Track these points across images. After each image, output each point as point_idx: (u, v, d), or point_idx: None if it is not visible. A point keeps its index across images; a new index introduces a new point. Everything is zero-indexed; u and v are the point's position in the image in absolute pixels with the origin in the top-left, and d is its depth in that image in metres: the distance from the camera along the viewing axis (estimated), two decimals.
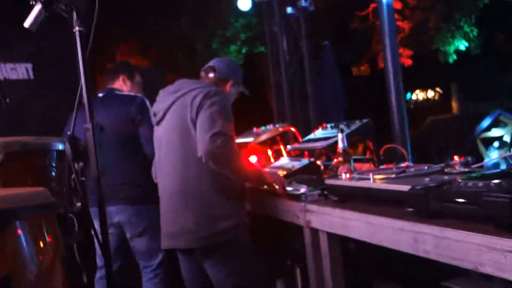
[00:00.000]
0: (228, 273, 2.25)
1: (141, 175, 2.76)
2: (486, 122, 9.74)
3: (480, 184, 1.41)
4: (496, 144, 8.81)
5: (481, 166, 1.99)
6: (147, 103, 2.93)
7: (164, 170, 2.34)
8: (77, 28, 1.27)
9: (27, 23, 1.33)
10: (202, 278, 2.37)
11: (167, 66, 10.41)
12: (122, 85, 3.10)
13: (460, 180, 1.51)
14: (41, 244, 1.06)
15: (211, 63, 2.55)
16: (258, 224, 3.08)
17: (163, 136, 2.37)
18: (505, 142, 8.75)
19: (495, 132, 9.60)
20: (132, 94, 3.02)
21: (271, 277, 3.19)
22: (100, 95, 3.05)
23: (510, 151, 8.75)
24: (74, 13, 1.26)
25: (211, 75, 2.48)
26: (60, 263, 1.12)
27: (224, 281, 2.27)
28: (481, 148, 9.30)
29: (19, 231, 1.00)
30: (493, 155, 8.85)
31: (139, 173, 2.80)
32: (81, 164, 1.20)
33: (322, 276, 2.19)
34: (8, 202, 0.97)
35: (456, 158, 1.86)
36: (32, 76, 4.46)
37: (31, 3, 1.26)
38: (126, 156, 2.68)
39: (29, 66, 4.48)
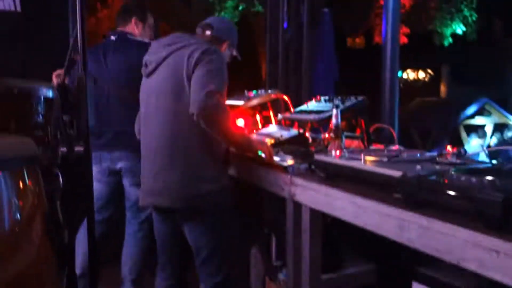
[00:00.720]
0: (208, 237, 2.24)
1: None
2: (471, 109, 9.82)
3: (474, 179, 1.40)
4: (477, 133, 8.93)
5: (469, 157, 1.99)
6: None
7: (151, 125, 2.28)
8: None
9: None
10: (175, 240, 2.35)
11: (161, 13, 10.11)
12: (134, 28, 3.02)
13: (453, 173, 1.50)
14: (23, 199, 1.01)
15: (209, 21, 2.47)
16: (238, 188, 3.07)
17: (153, 90, 2.29)
18: (485, 132, 8.87)
19: (478, 120, 9.71)
20: (146, 40, 2.94)
21: (246, 242, 3.21)
22: (113, 38, 2.96)
23: (488, 141, 8.89)
24: None
25: (208, 32, 2.40)
26: (42, 218, 1.07)
27: (203, 245, 2.26)
28: (463, 134, 9.42)
29: (1, 184, 0.95)
30: (473, 143, 8.98)
31: None
32: (69, 116, 1.14)
33: (300, 248, 2.20)
34: None
35: (449, 147, 1.84)
36: (19, 8, 4.26)
37: None
38: (137, 105, 2.62)
39: None
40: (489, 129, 9.63)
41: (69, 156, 1.23)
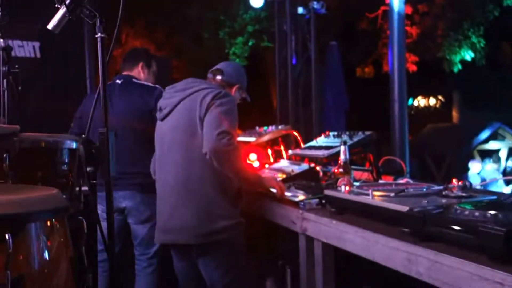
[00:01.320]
0: (223, 271, 2.29)
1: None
2: (484, 134, 9.82)
3: (477, 213, 1.45)
4: (491, 158, 8.88)
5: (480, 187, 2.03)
6: None
7: (166, 166, 2.37)
8: (99, 34, 1.30)
9: (50, 25, 1.36)
10: (195, 274, 2.41)
11: (172, 51, 10.40)
12: (139, 73, 3.09)
13: (457, 207, 1.55)
14: (53, 246, 1.10)
15: (219, 66, 2.60)
16: (252, 222, 3.13)
17: (167, 132, 2.40)
18: (499, 157, 8.82)
19: (492, 145, 9.68)
20: (151, 85, 3.02)
21: (261, 275, 3.24)
22: (118, 81, 3.03)
23: (505, 165, 8.83)
24: (97, 20, 1.28)
25: (218, 77, 2.52)
26: (69, 264, 1.15)
27: (217, 280, 2.31)
28: (477, 159, 9.37)
29: (33, 235, 1.03)
30: (487, 168, 8.93)
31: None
32: (92, 168, 1.23)
33: (313, 282, 2.23)
34: (22, 206, 1.00)
35: (454, 181, 1.90)
36: (38, 55, 4.47)
37: (56, 5, 1.29)
38: (141, 146, 2.68)
39: (37, 44, 4.48)
40: (503, 153, 9.58)
41: (92, 203, 1.32)
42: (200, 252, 2.28)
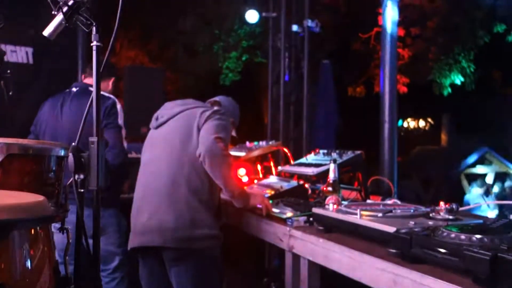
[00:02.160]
0: (195, 283, 2.27)
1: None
2: (472, 158, 9.91)
3: (462, 236, 1.46)
4: (478, 182, 8.96)
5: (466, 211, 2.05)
6: (118, 106, 2.90)
7: (153, 169, 2.37)
8: (95, 43, 1.30)
9: (46, 32, 1.35)
10: (162, 285, 2.37)
11: (166, 63, 10.44)
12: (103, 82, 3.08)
13: (443, 229, 1.55)
14: (36, 255, 1.08)
15: (218, 98, 2.73)
16: (239, 238, 3.11)
17: (160, 138, 2.43)
18: (485, 182, 8.90)
19: (479, 170, 9.77)
20: (106, 94, 2.95)
21: None
22: (74, 89, 2.99)
23: (490, 191, 8.91)
24: (94, 28, 1.29)
25: (215, 108, 2.59)
26: (52, 273, 1.13)
27: None
28: (465, 183, 9.45)
29: (16, 243, 1.02)
30: (474, 192, 9.01)
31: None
32: (81, 176, 1.22)
33: None
34: (7, 213, 0.98)
35: (442, 203, 1.91)
36: (31, 61, 4.45)
37: (53, 12, 1.29)
38: None
39: (30, 50, 4.47)
40: (490, 178, 9.67)
41: (79, 212, 1.31)
42: (175, 258, 2.26)
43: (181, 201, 2.25)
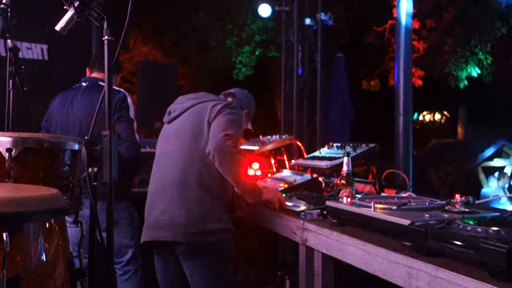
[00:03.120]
0: (208, 276, 2.28)
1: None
2: (489, 151, 9.77)
3: (479, 229, 1.44)
4: (496, 174, 8.82)
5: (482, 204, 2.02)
6: (129, 99, 2.91)
7: (165, 164, 2.39)
8: (106, 37, 1.30)
9: (58, 27, 1.36)
10: (178, 280, 2.38)
11: (179, 58, 10.47)
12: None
13: (459, 222, 1.53)
14: (50, 247, 1.09)
15: (232, 90, 2.69)
16: (253, 231, 3.12)
17: (172, 133, 2.44)
18: (505, 173, 8.76)
19: (497, 162, 9.63)
20: (116, 88, 2.96)
21: (261, 286, 3.23)
22: (84, 84, 3.01)
23: (509, 183, 8.76)
24: (105, 22, 1.29)
25: (229, 99, 2.60)
26: (66, 265, 1.14)
27: (200, 284, 2.29)
28: (482, 176, 9.33)
29: (30, 235, 1.03)
30: (492, 185, 8.87)
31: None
32: (95, 169, 1.23)
33: None
34: (22, 206, 0.99)
35: (457, 196, 1.88)
36: (46, 57, 4.50)
37: (65, 7, 1.30)
38: None
39: (45, 47, 4.52)
40: (508, 170, 9.53)
41: (93, 204, 1.32)
42: (188, 252, 2.27)
43: (192, 197, 2.25)
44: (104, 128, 1.27)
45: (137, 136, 2.91)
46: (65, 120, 2.93)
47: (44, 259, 1.07)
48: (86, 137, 1.26)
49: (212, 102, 2.37)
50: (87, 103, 2.86)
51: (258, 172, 3.41)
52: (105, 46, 1.29)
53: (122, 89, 2.97)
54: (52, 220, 1.11)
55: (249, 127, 2.69)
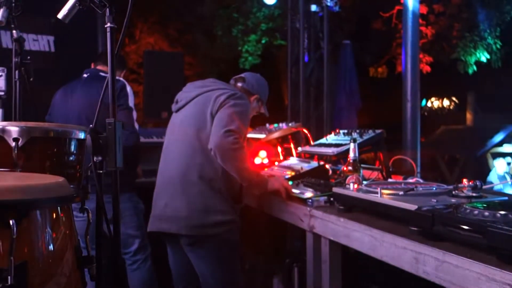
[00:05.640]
0: (213, 267, 2.30)
1: None
2: (498, 137, 9.68)
3: (486, 213, 1.43)
4: (507, 159, 8.75)
5: (490, 189, 2.01)
6: (128, 88, 2.92)
7: (170, 156, 2.40)
8: (108, 24, 1.30)
9: (60, 15, 1.36)
10: (188, 269, 2.40)
11: (185, 47, 10.44)
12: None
13: (466, 207, 1.52)
14: (57, 234, 1.10)
15: (243, 74, 2.64)
16: (260, 219, 3.13)
17: (178, 124, 2.44)
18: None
19: (506, 148, 9.54)
20: (119, 78, 2.99)
21: (269, 273, 3.24)
22: (85, 75, 3.05)
23: None
24: (107, 10, 1.29)
25: (239, 84, 2.58)
26: (73, 253, 1.16)
27: (208, 275, 2.31)
28: (491, 162, 9.25)
29: (37, 222, 1.04)
30: (500, 171, 8.80)
31: None
32: (99, 158, 1.24)
33: (320, 280, 2.22)
34: (30, 193, 1.01)
35: (465, 181, 1.87)
36: (53, 49, 4.51)
37: None
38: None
39: (51, 38, 4.53)
40: None
41: (99, 193, 1.33)
42: (191, 244, 2.29)
43: (194, 190, 2.26)
44: (106, 117, 1.28)
45: (136, 125, 2.92)
46: (65, 111, 2.97)
47: (52, 246, 1.08)
48: (91, 126, 1.26)
49: (217, 91, 2.34)
50: (86, 93, 2.90)
51: (265, 160, 3.41)
52: (108, 34, 1.28)
53: (121, 78, 2.99)
54: (59, 208, 1.12)
55: (263, 111, 2.64)
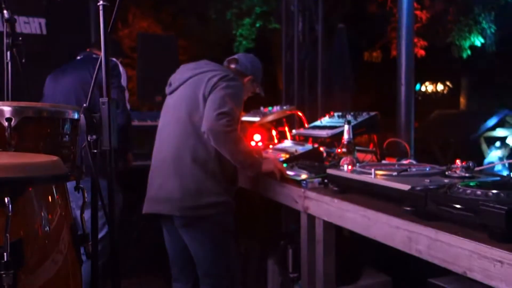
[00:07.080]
0: (207, 248, 2.31)
1: None
2: (492, 121, 9.71)
3: (478, 192, 1.45)
4: (497, 144, 8.80)
5: (482, 170, 2.03)
6: (120, 68, 2.93)
7: (164, 137, 2.40)
8: (101, 2, 1.28)
9: None
10: (182, 250, 2.42)
11: (179, 31, 10.36)
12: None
13: (459, 186, 1.54)
14: (52, 212, 1.10)
15: (236, 56, 2.63)
16: (255, 201, 3.15)
17: (171, 107, 2.43)
18: (507, 144, 8.74)
19: (499, 132, 9.58)
20: (112, 59, 2.96)
21: (263, 255, 3.27)
22: (78, 58, 3.08)
23: (510, 153, 8.75)
24: None
25: (232, 65, 2.57)
26: (69, 230, 1.16)
27: (202, 256, 2.33)
28: (484, 147, 9.30)
29: (32, 200, 1.04)
30: (493, 155, 8.86)
31: None
32: (94, 136, 1.23)
33: (314, 260, 2.25)
34: (24, 171, 1.00)
35: (458, 161, 1.88)
36: (45, 32, 4.46)
37: None
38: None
39: (43, 21, 4.47)
40: (510, 141, 9.49)
41: (92, 173, 1.33)
42: (184, 225, 2.30)
43: (187, 172, 2.27)
44: (98, 96, 1.27)
45: (128, 105, 2.92)
46: (53, 91, 2.98)
47: (47, 224, 1.08)
48: (84, 105, 1.26)
49: (209, 73, 2.33)
50: (77, 75, 2.90)
51: (260, 144, 3.42)
52: (100, 12, 1.27)
53: (114, 58, 2.98)
54: (54, 186, 1.12)
55: (258, 91, 2.63)
